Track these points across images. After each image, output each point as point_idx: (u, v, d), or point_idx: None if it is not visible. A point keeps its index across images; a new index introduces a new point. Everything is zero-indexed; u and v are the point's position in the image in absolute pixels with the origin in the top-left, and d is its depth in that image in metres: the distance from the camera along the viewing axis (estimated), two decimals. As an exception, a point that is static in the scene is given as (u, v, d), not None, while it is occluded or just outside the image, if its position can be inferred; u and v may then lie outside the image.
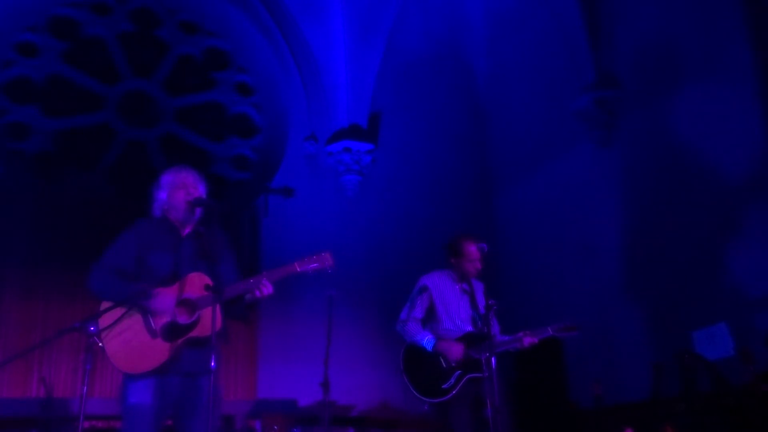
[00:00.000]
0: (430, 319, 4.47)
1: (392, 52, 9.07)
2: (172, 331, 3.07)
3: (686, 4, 6.99)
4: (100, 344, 3.06)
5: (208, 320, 2.99)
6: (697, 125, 6.69)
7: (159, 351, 3.05)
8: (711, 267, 6.42)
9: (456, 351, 4.23)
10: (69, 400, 6.24)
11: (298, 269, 3.21)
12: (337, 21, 8.95)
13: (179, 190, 3.34)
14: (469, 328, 4.40)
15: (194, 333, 3.07)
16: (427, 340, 4.30)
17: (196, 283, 3.12)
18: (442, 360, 4.27)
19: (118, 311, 3.10)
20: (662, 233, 6.96)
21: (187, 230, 3.37)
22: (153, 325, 3.07)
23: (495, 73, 9.71)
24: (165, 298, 3.07)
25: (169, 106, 8.84)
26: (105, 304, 3.12)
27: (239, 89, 9.27)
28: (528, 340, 4.29)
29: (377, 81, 8.97)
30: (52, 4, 8.50)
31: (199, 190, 3.39)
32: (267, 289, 3.16)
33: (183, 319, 3.06)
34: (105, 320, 3.11)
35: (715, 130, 6.49)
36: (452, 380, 4.22)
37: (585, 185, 7.93)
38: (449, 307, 4.45)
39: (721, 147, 6.44)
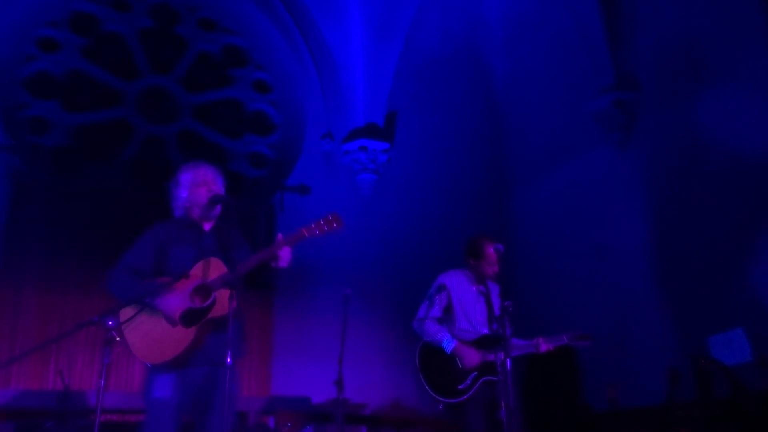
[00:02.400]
0: (446, 318, 4.47)
1: (410, 52, 9.06)
2: (190, 317, 3.10)
3: (707, 4, 6.92)
4: (118, 338, 3.09)
5: (224, 300, 3.02)
6: (718, 127, 6.62)
7: (180, 337, 3.09)
8: (730, 271, 6.35)
9: (472, 358, 4.23)
10: (85, 392, 6.28)
11: (306, 235, 3.22)
12: (355, 20, 8.95)
13: (200, 188, 3.38)
14: (485, 331, 4.40)
15: (212, 314, 3.10)
16: (446, 341, 4.30)
17: (212, 269, 3.16)
18: (458, 361, 4.27)
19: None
20: (680, 237, 6.90)
21: (208, 226, 3.41)
22: (171, 315, 3.11)
23: (513, 73, 9.66)
24: (173, 300, 3.09)
25: (187, 102, 8.88)
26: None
27: (257, 87, 9.29)
28: (544, 347, 4.28)
29: (394, 80, 8.96)
30: (74, 0, 8.57)
31: (219, 185, 3.42)
32: (285, 254, 3.17)
33: (197, 303, 3.10)
34: (125, 313, 3.15)
35: (736, 132, 6.42)
36: (468, 382, 4.21)
37: (603, 187, 7.87)
38: (466, 307, 4.45)
39: (742, 149, 6.36)
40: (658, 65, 7.42)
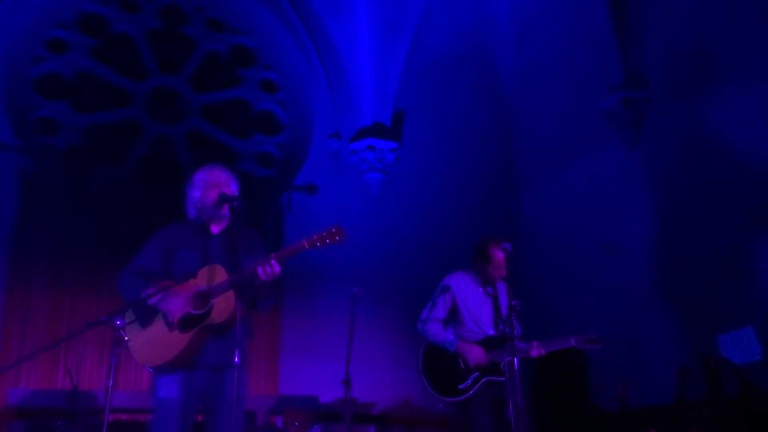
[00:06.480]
0: (453, 319, 4.47)
1: (417, 51, 9.05)
2: (187, 323, 3.12)
3: (716, 3, 6.88)
4: (126, 338, 3.12)
5: (221, 307, 3.04)
6: (727, 126, 6.59)
7: (176, 342, 3.12)
8: (739, 270, 6.32)
9: (477, 354, 4.22)
10: (94, 392, 6.32)
11: (307, 246, 3.20)
12: (363, 19, 8.96)
13: (212, 189, 3.39)
14: (491, 332, 4.39)
15: (210, 320, 3.12)
16: (449, 342, 4.30)
17: (216, 275, 3.17)
18: (460, 361, 4.27)
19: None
20: (690, 235, 6.86)
21: (218, 228, 3.42)
22: (170, 318, 3.13)
23: (521, 72, 9.64)
24: (176, 302, 3.12)
25: (195, 102, 8.91)
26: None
27: (264, 86, 9.31)
28: (535, 352, 4.25)
29: (402, 79, 8.96)
30: (82, 2, 8.61)
31: (232, 188, 3.44)
32: (274, 268, 3.15)
33: (196, 309, 3.11)
34: (130, 315, 3.19)
35: (746, 130, 6.39)
36: (469, 381, 4.22)
37: (612, 186, 7.84)
38: (472, 309, 4.44)
39: (752, 148, 6.33)
40: (667, 64, 7.38)
